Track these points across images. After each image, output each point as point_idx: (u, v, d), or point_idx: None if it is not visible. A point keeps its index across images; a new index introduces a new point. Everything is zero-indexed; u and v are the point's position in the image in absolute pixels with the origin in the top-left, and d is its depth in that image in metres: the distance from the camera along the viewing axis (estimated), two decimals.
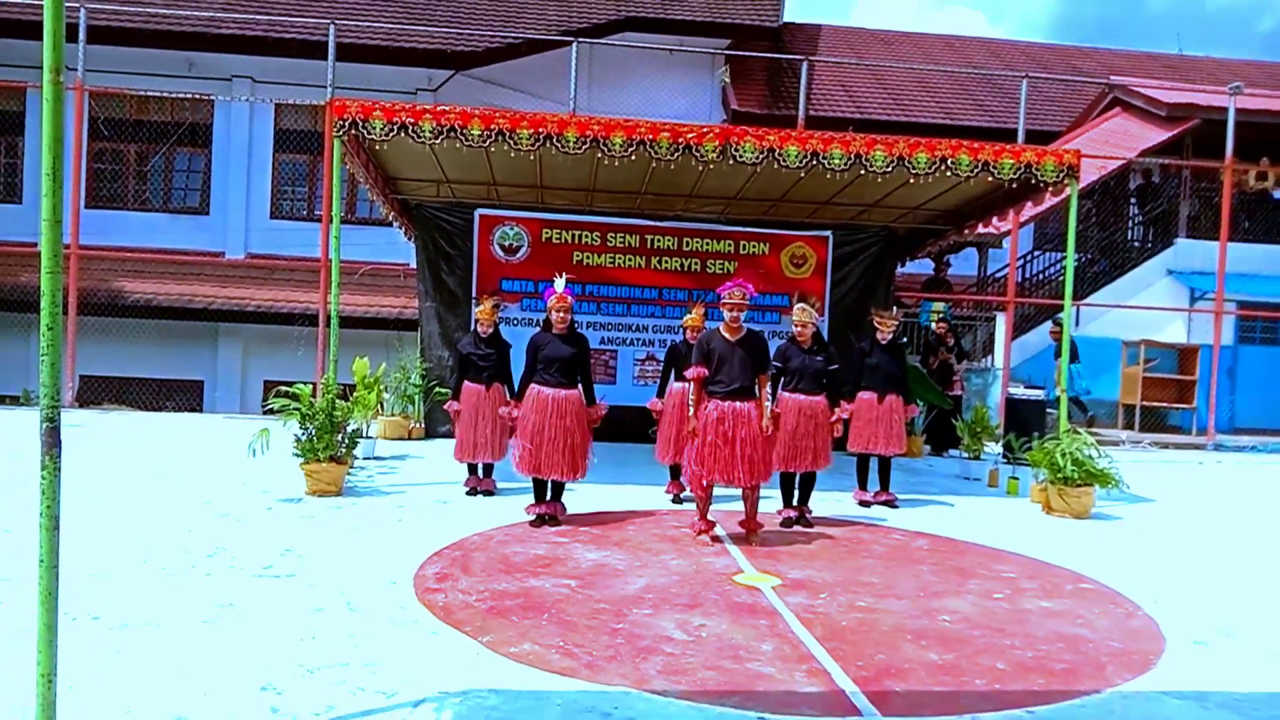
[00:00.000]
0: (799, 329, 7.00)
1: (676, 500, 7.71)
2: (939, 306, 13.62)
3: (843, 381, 7.40)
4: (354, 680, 3.62)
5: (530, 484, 6.76)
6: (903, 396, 8.05)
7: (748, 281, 6.54)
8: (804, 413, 6.91)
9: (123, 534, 5.72)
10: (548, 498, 6.73)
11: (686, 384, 6.81)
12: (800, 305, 6.99)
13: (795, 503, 7.05)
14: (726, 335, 6.37)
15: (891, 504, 7.88)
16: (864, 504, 7.91)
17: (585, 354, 6.81)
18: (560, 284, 6.83)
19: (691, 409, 6.40)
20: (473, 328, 8.21)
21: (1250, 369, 15.64)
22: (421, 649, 4.00)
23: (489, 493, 7.65)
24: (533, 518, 6.66)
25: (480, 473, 7.78)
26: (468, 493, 7.63)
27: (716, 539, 6.33)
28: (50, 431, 2.88)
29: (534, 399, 6.64)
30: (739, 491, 6.49)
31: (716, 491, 6.43)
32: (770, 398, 6.55)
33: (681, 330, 8.15)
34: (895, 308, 12.78)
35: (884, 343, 8.08)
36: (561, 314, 6.73)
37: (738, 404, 6.24)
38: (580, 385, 6.75)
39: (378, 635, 4.14)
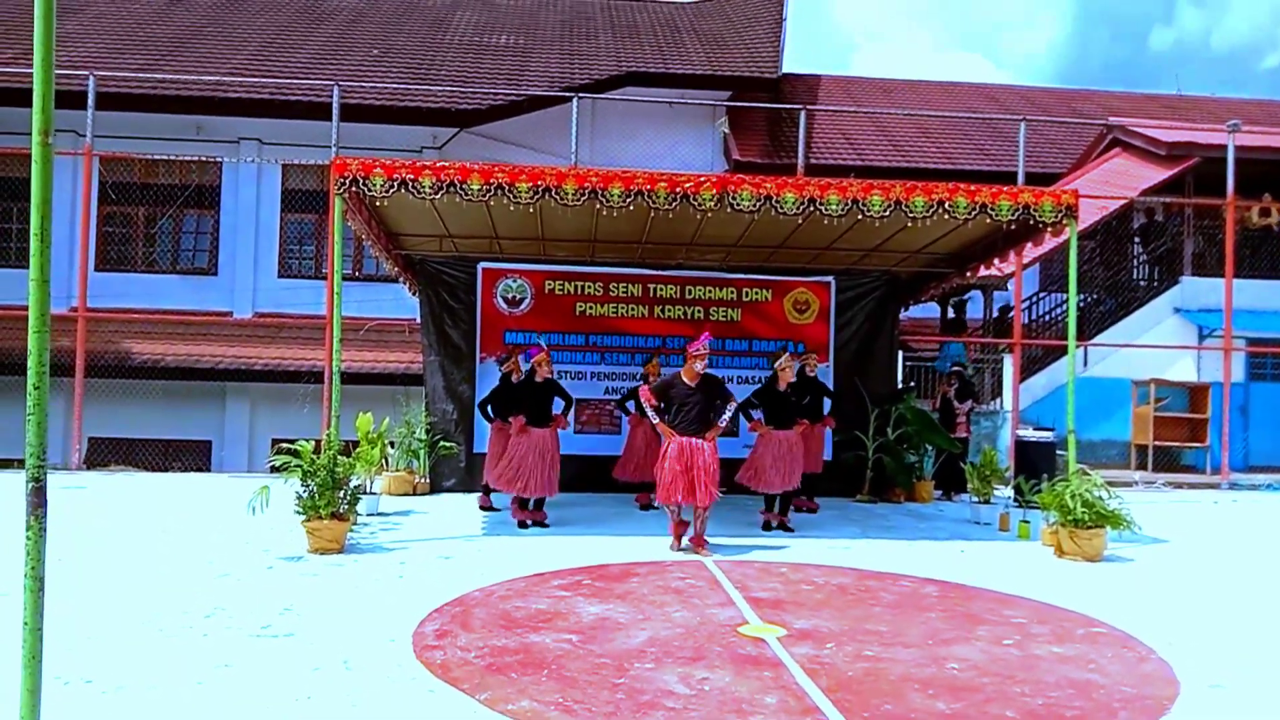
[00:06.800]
0: (782, 372, 8.57)
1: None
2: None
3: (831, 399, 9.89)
4: None
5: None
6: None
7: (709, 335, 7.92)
8: (783, 443, 8.47)
9: (121, 595, 5.68)
10: (530, 508, 8.56)
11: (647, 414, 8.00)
12: (784, 355, 8.70)
13: (777, 511, 8.61)
14: (687, 380, 7.54)
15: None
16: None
17: (550, 393, 8.65)
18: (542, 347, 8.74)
19: (654, 419, 7.69)
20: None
21: (1263, 406, 15.46)
22: (418, 708, 3.93)
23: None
24: (517, 521, 8.46)
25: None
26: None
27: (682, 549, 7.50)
28: (35, 491, 2.86)
29: (524, 437, 8.39)
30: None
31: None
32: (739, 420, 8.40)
33: (643, 378, 9.86)
34: (901, 352, 12.77)
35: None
36: (545, 368, 8.63)
37: (694, 440, 7.42)
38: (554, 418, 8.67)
39: (374, 694, 4.07)
